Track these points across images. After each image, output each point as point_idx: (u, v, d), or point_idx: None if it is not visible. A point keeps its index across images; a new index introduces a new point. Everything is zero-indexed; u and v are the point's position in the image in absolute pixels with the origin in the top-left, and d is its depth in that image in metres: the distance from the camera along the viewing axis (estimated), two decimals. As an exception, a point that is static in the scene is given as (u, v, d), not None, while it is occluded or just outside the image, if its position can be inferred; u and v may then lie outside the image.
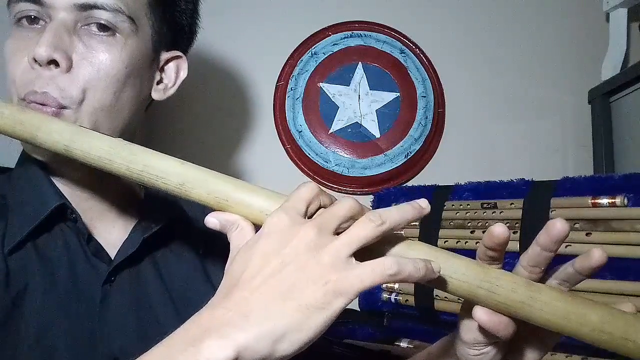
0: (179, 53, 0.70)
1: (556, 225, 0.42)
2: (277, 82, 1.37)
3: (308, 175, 1.34)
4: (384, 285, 1.15)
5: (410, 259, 0.41)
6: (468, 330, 0.49)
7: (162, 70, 0.69)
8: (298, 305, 0.38)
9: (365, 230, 0.41)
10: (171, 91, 0.70)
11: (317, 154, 1.31)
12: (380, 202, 1.25)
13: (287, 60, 1.37)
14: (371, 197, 1.29)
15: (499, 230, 0.43)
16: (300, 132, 1.32)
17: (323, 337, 0.40)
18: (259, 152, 1.36)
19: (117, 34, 0.60)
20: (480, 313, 0.44)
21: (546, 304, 0.42)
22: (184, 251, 0.69)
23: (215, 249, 0.71)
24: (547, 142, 1.39)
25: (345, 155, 1.31)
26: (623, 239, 0.86)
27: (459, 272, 0.43)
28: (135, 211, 0.68)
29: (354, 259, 0.41)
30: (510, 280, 0.43)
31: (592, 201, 0.90)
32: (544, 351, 0.49)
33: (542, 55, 1.40)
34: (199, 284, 0.68)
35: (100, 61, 0.59)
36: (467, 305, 0.48)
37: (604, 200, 0.89)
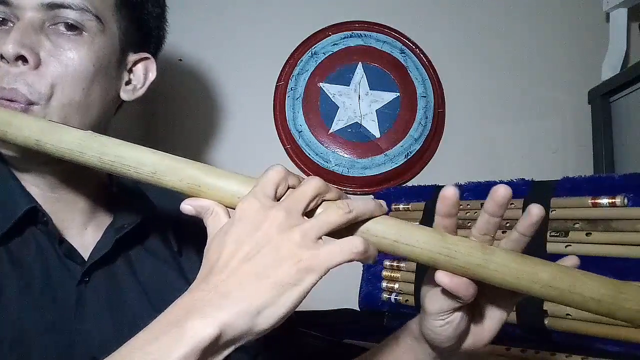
0: (147, 55, 0.70)
1: (499, 190, 0.46)
2: (277, 82, 1.37)
3: (308, 175, 1.34)
4: (384, 285, 1.15)
5: (371, 243, 0.45)
6: (432, 300, 0.52)
7: (130, 71, 0.69)
8: (272, 283, 0.41)
9: (334, 216, 0.44)
10: (140, 92, 0.71)
11: (317, 154, 1.31)
12: (380, 202, 1.25)
13: (287, 60, 1.37)
14: (371, 197, 1.29)
15: (449, 191, 0.47)
16: (300, 132, 1.32)
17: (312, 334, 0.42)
18: (259, 152, 1.36)
19: (84, 33, 0.61)
20: (441, 275, 0.47)
21: (500, 265, 0.45)
22: (157, 247, 0.70)
23: (187, 241, 0.72)
24: (547, 142, 1.39)
25: (345, 155, 1.31)
26: (623, 239, 0.86)
27: (420, 240, 0.46)
28: (107, 210, 0.68)
29: (322, 240, 0.44)
30: (467, 245, 0.46)
31: (592, 201, 0.90)
32: (503, 316, 0.53)
33: (542, 56, 1.40)
34: (173, 279, 0.69)
35: (69, 58, 0.60)
36: (428, 278, 0.51)
37: (604, 200, 0.89)
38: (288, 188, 0.46)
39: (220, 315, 0.40)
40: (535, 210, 0.47)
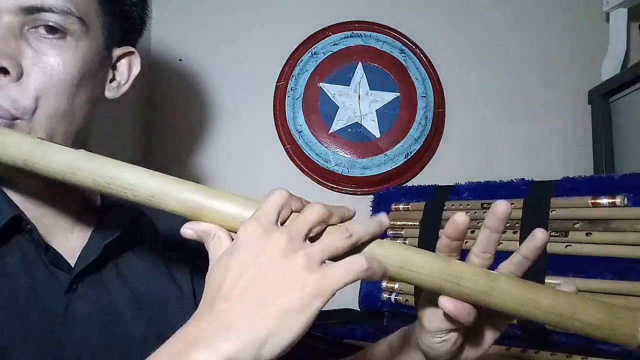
0: (131, 49, 0.67)
1: (499, 206, 0.47)
2: (277, 82, 1.37)
3: (308, 175, 1.34)
4: (384, 285, 1.15)
5: (375, 259, 0.45)
6: (431, 319, 0.52)
7: (114, 67, 0.66)
8: (278, 310, 0.40)
9: (336, 241, 0.44)
10: (124, 88, 0.68)
11: (317, 154, 1.31)
12: (380, 202, 1.25)
13: (287, 60, 1.37)
14: (371, 197, 1.29)
15: (460, 218, 0.47)
16: (300, 132, 1.32)
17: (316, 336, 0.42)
18: (259, 152, 1.36)
19: (67, 37, 0.57)
20: (445, 301, 0.47)
21: (504, 292, 0.46)
22: (145, 252, 0.67)
23: (177, 245, 0.69)
24: (547, 142, 1.39)
25: (345, 155, 1.31)
26: (623, 239, 0.86)
27: (426, 267, 0.46)
28: (93, 216, 0.66)
29: (325, 263, 0.43)
30: (471, 272, 0.47)
31: (592, 201, 0.90)
32: (497, 334, 0.54)
33: (542, 55, 1.40)
34: (162, 283, 0.67)
35: (52, 66, 0.56)
36: (427, 296, 0.51)
37: (604, 200, 0.89)
38: (292, 212, 0.46)
39: (225, 346, 0.39)
40: (540, 235, 0.47)
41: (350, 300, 1.21)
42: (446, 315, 0.49)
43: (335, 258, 0.44)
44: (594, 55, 1.38)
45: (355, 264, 0.42)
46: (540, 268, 0.89)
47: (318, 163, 1.31)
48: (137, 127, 1.33)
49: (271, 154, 1.36)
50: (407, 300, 1.10)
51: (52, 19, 0.55)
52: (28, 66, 0.55)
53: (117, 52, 0.65)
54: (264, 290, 0.40)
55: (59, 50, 0.56)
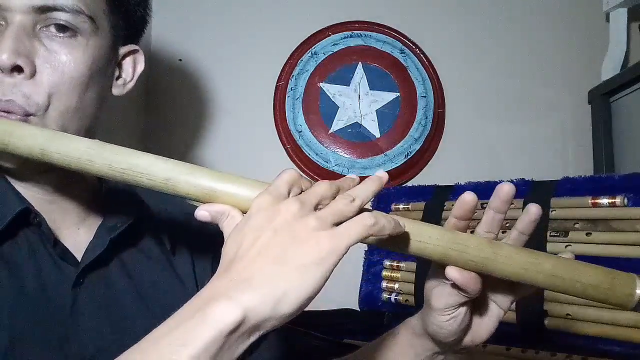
0: (135, 47, 0.69)
1: (504, 188, 0.50)
2: (277, 82, 1.37)
3: (308, 175, 1.34)
4: (384, 285, 1.15)
5: (382, 214, 0.46)
6: (438, 297, 0.54)
7: (119, 65, 0.68)
8: (295, 265, 0.41)
9: (340, 206, 0.45)
10: (130, 85, 0.70)
11: (317, 154, 1.31)
12: (380, 202, 1.25)
13: (287, 60, 1.37)
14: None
15: (469, 196, 0.50)
16: (300, 132, 1.32)
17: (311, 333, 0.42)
18: (259, 152, 1.36)
19: (78, 35, 0.59)
20: (452, 270, 0.49)
21: (507, 257, 0.49)
22: (150, 248, 0.69)
23: (180, 240, 0.71)
24: (547, 142, 1.39)
25: (345, 155, 1.31)
26: (623, 239, 0.86)
27: (433, 237, 0.48)
28: (99, 210, 0.67)
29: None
30: (476, 241, 0.49)
31: (592, 201, 0.90)
32: (500, 314, 0.56)
33: (542, 55, 1.40)
34: (167, 280, 0.68)
35: (64, 64, 0.58)
36: (434, 274, 0.54)
37: (604, 200, 0.89)
38: (301, 192, 0.47)
39: (244, 298, 0.40)
40: (534, 209, 0.51)
41: (350, 300, 1.21)
42: (454, 287, 0.51)
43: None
44: (594, 55, 1.38)
45: (364, 218, 0.44)
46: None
47: (318, 163, 1.31)
48: (136, 127, 1.33)
49: (271, 154, 1.36)
50: (407, 300, 1.10)
51: (63, 17, 0.57)
52: (41, 64, 0.57)
53: (122, 50, 0.67)
54: (280, 248, 0.42)
55: (70, 48, 0.58)
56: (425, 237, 0.48)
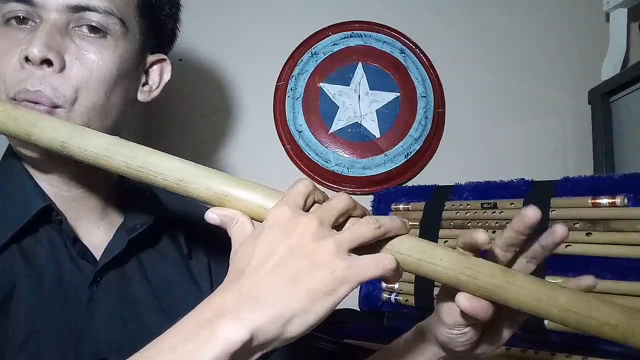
0: (163, 56, 0.72)
1: (530, 213, 0.47)
2: (277, 82, 1.37)
3: (308, 175, 1.34)
4: (384, 285, 1.15)
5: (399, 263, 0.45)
6: (449, 314, 0.53)
7: (147, 72, 0.70)
8: (307, 290, 0.41)
9: (365, 230, 0.44)
10: (155, 93, 0.72)
11: (317, 154, 1.31)
12: (380, 202, 1.25)
13: (287, 60, 1.37)
14: (371, 197, 1.29)
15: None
16: (300, 132, 1.32)
17: (319, 336, 0.42)
18: (259, 152, 1.36)
19: (108, 36, 0.61)
20: (462, 299, 0.47)
21: (521, 288, 0.46)
22: (168, 250, 0.70)
23: (197, 244, 0.72)
24: (547, 142, 1.39)
25: (345, 155, 1.31)
26: (623, 239, 0.86)
27: (444, 259, 0.46)
28: (119, 210, 0.68)
29: (353, 253, 0.44)
30: (488, 267, 0.47)
31: (592, 201, 0.90)
32: (514, 329, 0.55)
33: (542, 55, 1.40)
34: (183, 283, 0.69)
35: (93, 62, 0.60)
36: (446, 290, 0.52)
37: (604, 200, 0.89)
38: (314, 202, 0.47)
39: (254, 318, 0.39)
40: (560, 231, 0.48)
41: (350, 300, 1.21)
42: (464, 313, 0.49)
43: (360, 249, 0.45)
44: (594, 55, 1.38)
45: (385, 260, 0.44)
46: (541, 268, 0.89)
47: (318, 163, 1.31)
48: (136, 127, 1.33)
49: (271, 154, 1.36)
50: (407, 300, 1.10)
51: (95, 18, 0.60)
52: (70, 60, 0.59)
53: (150, 58, 0.70)
54: (294, 269, 0.41)
55: (99, 48, 0.60)
56: (435, 259, 0.46)
